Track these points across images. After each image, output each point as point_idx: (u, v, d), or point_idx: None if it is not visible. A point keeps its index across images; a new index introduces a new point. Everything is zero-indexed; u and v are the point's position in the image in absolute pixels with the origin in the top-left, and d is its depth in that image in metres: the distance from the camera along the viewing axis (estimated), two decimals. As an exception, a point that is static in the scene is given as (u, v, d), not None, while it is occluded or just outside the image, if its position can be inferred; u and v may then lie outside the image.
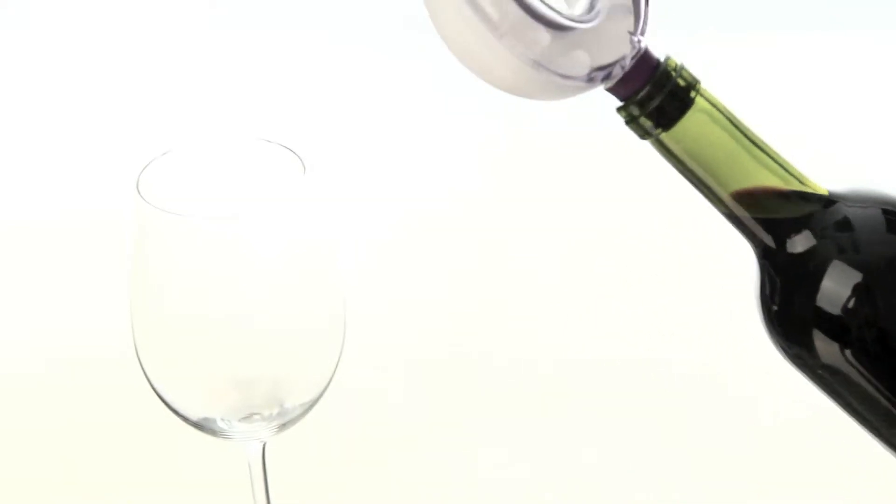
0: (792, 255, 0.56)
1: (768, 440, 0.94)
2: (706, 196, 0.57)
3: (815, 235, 0.56)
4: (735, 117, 0.55)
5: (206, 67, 1.42)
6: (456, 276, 1.11)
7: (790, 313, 0.56)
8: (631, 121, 0.55)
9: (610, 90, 0.55)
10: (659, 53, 0.54)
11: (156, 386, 0.67)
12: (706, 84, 0.55)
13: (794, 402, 0.97)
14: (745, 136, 0.56)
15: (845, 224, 0.56)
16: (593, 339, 1.04)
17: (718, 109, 0.55)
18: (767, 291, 0.57)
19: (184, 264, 0.64)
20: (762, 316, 0.58)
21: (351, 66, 1.38)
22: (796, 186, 0.56)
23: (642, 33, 0.54)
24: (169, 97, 1.38)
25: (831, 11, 1.43)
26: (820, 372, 0.57)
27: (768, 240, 0.57)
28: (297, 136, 0.76)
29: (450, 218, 1.16)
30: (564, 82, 0.53)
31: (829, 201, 0.57)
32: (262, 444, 0.70)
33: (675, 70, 0.54)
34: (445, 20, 0.53)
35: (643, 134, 0.55)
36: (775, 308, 0.57)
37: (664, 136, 0.55)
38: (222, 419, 0.67)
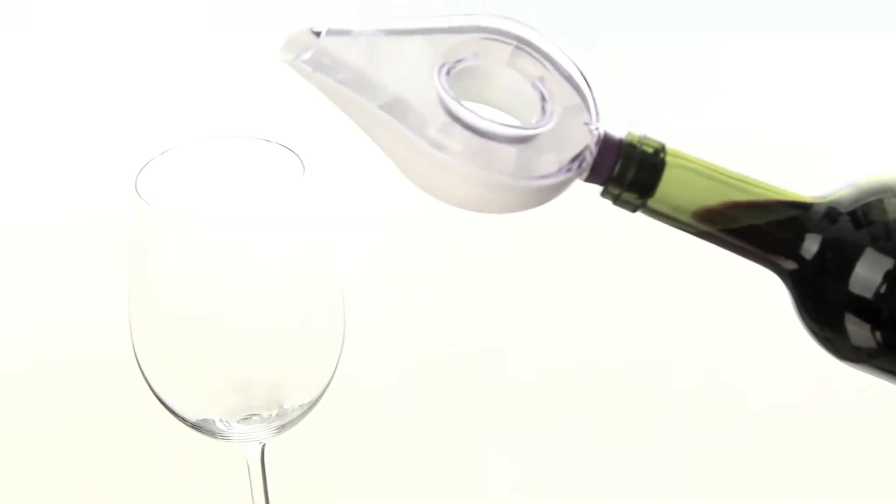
0: (815, 264, 0.57)
1: (768, 440, 0.94)
2: (714, 242, 0.58)
3: (832, 233, 0.57)
4: (707, 162, 0.57)
5: (206, 67, 1.42)
6: (456, 276, 1.11)
7: (837, 315, 0.57)
8: (616, 200, 0.57)
9: (588, 180, 0.57)
10: (620, 132, 0.56)
11: (154, 387, 0.67)
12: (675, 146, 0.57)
13: (795, 402, 0.97)
14: (723, 174, 0.57)
15: (849, 215, 0.57)
16: (594, 339, 1.03)
17: (689, 161, 0.57)
18: (808, 307, 0.58)
19: (182, 264, 0.63)
20: (810, 331, 0.58)
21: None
22: (788, 197, 0.57)
23: (597, 120, 0.56)
24: (168, 97, 1.37)
25: (831, 11, 1.43)
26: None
27: (788, 263, 0.57)
28: (296, 136, 0.76)
29: (450, 218, 1.16)
30: (542, 182, 0.55)
31: (824, 205, 0.57)
32: (262, 445, 0.70)
33: (638, 141, 0.56)
34: (415, 168, 0.56)
35: (633, 207, 0.57)
36: (821, 316, 0.57)
37: (651, 203, 0.57)
38: (221, 420, 0.67)
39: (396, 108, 0.55)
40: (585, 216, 1.15)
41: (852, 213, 0.56)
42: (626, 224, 1.15)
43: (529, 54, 0.57)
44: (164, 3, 1.52)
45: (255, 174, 0.67)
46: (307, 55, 0.56)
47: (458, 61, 0.56)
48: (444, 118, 0.55)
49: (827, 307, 0.57)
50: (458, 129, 0.54)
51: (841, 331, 0.57)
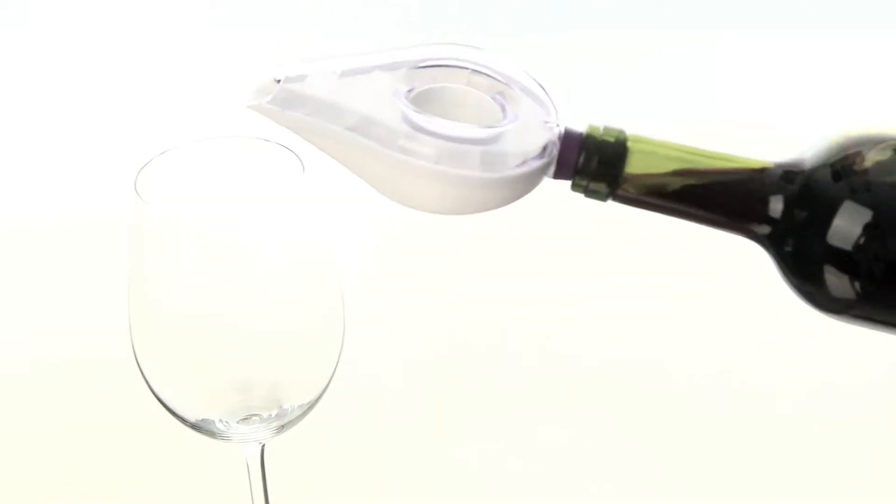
0: (791, 223, 0.57)
1: (767, 440, 0.93)
2: (690, 220, 0.59)
3: (806, 190, 0.57)
4: (670, 142, 0.58)
5: (206, 67, 1.42)
6: (456, 275, 1.11)
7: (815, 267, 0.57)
8: (586, 191, 0.59)
9: (556, 177, 0.58)
10: (581, 126, 0.58)
11: (154, 387, 0.67)
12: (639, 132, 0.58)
13: (793, 403, 0.97)
14: (688, 151, 0.58)
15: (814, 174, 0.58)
16: (594, 338, 1.03)
17: (652, 144, 0.58)
18: (789, 266, 0.58)
19: (182, 264, 0.63)
20: (792, 287, 0.59)
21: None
22: (755, 164, 0.58)
23: (558, 118, 0.58)
24: (168, 97, 1.37)
25: (831, 11, 1.43)
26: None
27: (763, 227, 0.58)
28: (296, 136, 0.75)
29: (449, 218, 1.16)
30: (508, 174, 0.57)
31: (793, 165, 0.58)
32: (261, 445, 0.70)
33: (598, 132, 0.58)
34: (388, 180, 0.58)
35: (603, 196, 0.59)
36: (803, 272, 0.58)
37: (621, 190, 0.58)
38: (221, 420, 0.67)
39: (363, 127, 0.57)
40: (584, 216, 1.15)
41: (831, 166, 0.57)
42: (627, 223, 1.15)
43: (486, 74, 0.59)
44: (164, 3, 1.52)
45: (254, 174, 0.67)
46: (270, 97, 0.58)
47: (418, 86, 0.59)
48: (410, 129, 0.57)
49: (807, 263, 0.57)
50: (424, 136, 0.56)
51: (822, 284, 0.57)
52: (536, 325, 1.05)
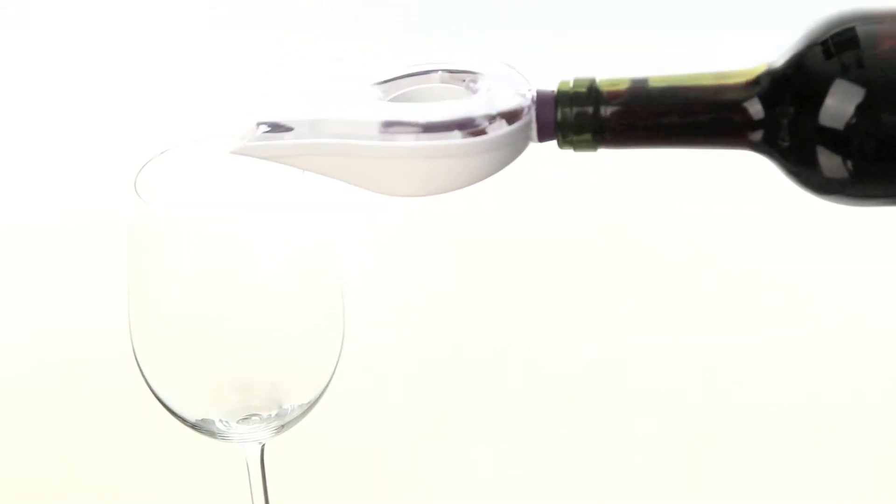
0: (781, 114, 0.57)
1: (767, 440, 0.94)
2: (682, 144, 0.59)
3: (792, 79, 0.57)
4: (640, 76, 0.59)
5: (206, 67, 1.42)
6: (456, 276, 1.11)
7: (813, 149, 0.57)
8: (574, 144, 0.59)
9: (541, 140, 0.59)
10: (551, 86, 0.59)
11: (154, 387, 0.67)
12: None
13: (793, 402, 0.97)
14: (663, 79, 0.58)
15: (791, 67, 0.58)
16: (593, 339, 1.03)
17: (624, 81, 0.58)
18: (792, 163, 0.58)
19: (182, 265, 0.63)
20: (789, 174, 0.59)
21: (350, 65, 1.37)
22: (733, 72, 0.59)
23: (529, 86, 0.59)
24: (168, 97, 1.37)
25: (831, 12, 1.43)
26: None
27: (756, 134, 0.58)
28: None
29: (449, 219, 1.16)
30: (488, 138, 0.58)
31: (774, 64, 0.58)
32: (261, 445, 0.70)
33: (569, 86, 0.59)
34: (374, 172, 0.59)
35: (592, 145, 0.59)
36: (799, 157, 0.58)
37: (607, 135, 0.58)
38: (220, 420, 0.67)
39: (344, 132, 0.58)
40: (584, 216, 1.15)
41: (822, 44, 0.57)
42: (626, 223, 1.15)
43: (457, 71, 0.61)
44: (164, 3, 1.52)
45: (255, 174, 0.67)
46: (251, 136, 0.60)
47: (394, 93, 0.61)
48: (388, 117, 0.58)
49: (804, 149, 0.57)
50: (402, 118, 0.58)
51: (817, 166, 0.57)
52: (537, 327, 1.05)
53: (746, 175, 1.06)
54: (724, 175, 1.17)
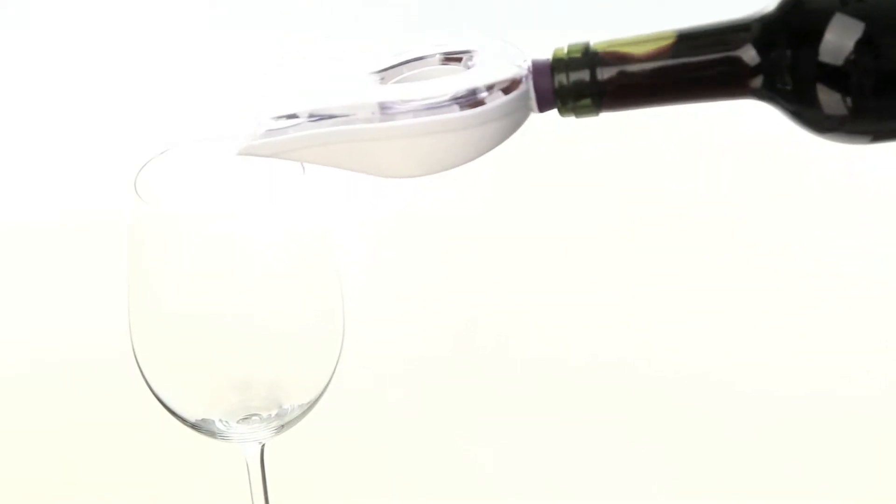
0: (778, 55, 0.57)
1: (766, 440, 0.94)
2: (686, 99, 0.60)
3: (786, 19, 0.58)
4: (637, 35, 0.59)
5: (206, 67, 1.42)
6: (456, 274, 1.11)
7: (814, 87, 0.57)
8: (575, 110, 0.59)
9: (541, 110, 0.59)
10: (546, 56, 0.59)
11: (153, 387, 0.67)
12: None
13: (793, 401, 0.97)
14: (657, 35, 0.59)
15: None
16: (593, 338, 1.03)
17: (620, 44, 0.59)
18: (785, 98, 0.58)
19: (182, 264, 0.63)
20: (790, 115, 0.59)
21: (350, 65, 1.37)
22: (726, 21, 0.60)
23: (525, 58, 0.59)
24: (168, 97, 1.37)
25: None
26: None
27: (757, 80, 0.58)
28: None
29: (449, 217, 1.16)
30: (486, 108, 0.58)
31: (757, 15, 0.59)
32: (261, 445, 0.70)
33: (564, 52, 0.59)
34: (375, 155, 0.59)
35: (593, 110, 0.59)
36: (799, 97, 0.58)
37: (607, 98, 0.58)
38: (220, 420, 0.67)
39: (345, 118, 0.59)
40: (583, 215, 1.15)
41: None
42: (626, 223, 1.15)
43: (454, 53, 0.61)
44: (164, 3, 1.52)
45: (255, 174, 0.67)
46: (253, 136, 0.60)
47: (393, 79, 0.61)
48: (386, 98, 0.58)
49: (801, 86, 0.57)
50: (400, 97, 0.58)
51: (817, 104, 0.57)
52: (538, 326, 1.05)
53: (749, 164, 1.06)
54: (727, 166, 1.17)
